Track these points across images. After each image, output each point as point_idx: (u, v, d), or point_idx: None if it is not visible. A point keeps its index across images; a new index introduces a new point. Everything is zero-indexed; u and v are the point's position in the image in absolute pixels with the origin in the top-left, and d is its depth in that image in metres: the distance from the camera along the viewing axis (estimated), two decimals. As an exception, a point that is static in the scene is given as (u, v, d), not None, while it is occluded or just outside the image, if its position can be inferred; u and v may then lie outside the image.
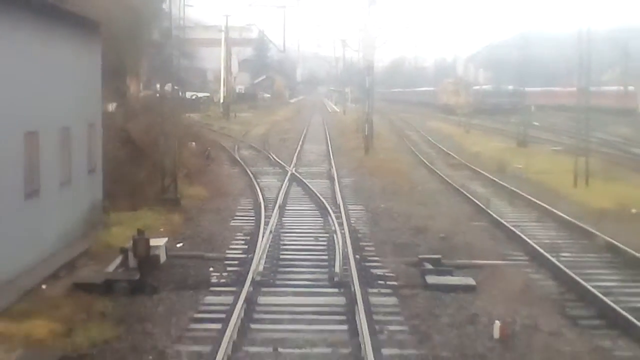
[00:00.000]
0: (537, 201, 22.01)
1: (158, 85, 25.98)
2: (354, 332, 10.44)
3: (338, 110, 73.89)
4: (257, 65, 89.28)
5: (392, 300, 12.35)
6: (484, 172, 29.80)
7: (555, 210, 20.55)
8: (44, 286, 12.35)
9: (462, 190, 25.05)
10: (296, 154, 36.01)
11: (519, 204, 22.90)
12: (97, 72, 17.51)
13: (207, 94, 65.60)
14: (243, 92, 79.62)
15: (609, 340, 10.42)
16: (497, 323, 10.14)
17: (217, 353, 9.10)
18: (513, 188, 24.39)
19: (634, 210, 20.94)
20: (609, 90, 65.58)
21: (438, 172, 30.87)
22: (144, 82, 32.61)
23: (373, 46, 43.39)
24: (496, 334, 10.18)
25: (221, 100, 58.92)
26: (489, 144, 42.34)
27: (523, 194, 23.53)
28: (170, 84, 24.25)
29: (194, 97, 53.21)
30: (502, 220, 18.99)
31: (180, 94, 28.18)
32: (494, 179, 27.62)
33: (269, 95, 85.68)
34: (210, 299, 12.41)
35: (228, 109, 56.91)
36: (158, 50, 26.67)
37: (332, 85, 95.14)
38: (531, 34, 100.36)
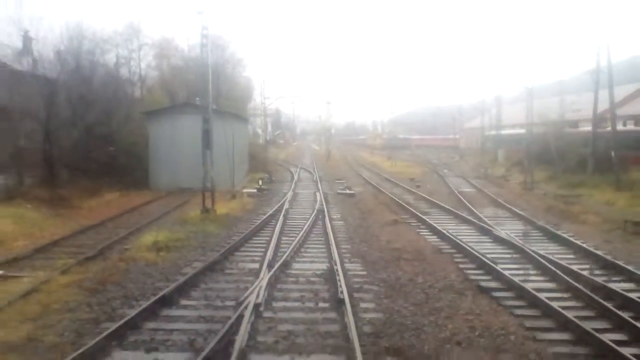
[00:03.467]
0: (374, 169, 35.61)
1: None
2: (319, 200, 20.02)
3: (317, 148, 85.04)
4: (275, 125, 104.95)
5: (330, 197, 22.20)
6: (365, 166, 41.41)
7: (380, 172, 33.98)
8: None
9: (360, 169, 37.67)
10: (301, 162, 46.09)
11: (378, 176, 33.81)
12: (248, 131, 36.59)
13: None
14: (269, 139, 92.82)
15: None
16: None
17: (293, 185, 25.84)
18: (385, 175, 33.11)
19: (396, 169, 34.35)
20: (447, 137, 76.09)
21: (353, 165, 42.19)
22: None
23: (330, 118, 62.40)
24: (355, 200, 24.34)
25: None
26: (374, 158, 51.17)
27: (382, 174, 34.33)
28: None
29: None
30: (372, 182, 29.56)
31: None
32: (373, 170, 38.69)
33: (282, 141, 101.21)
34: (285, 188, 26.60)
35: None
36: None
37: (315, 135, 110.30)
38: (429, 108, 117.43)
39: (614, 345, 6.19)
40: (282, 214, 16.46)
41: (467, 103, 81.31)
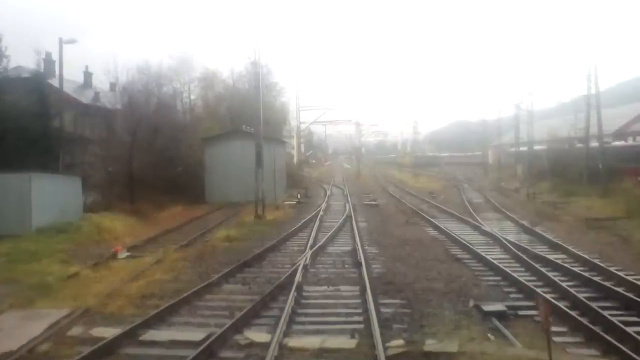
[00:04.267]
0: (400, 185, 41.15)
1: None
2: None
3: (349, 167, 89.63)
4: (308, 145, 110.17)
5: (357, 207, 30.59)
6: (393, 182, 46.21)
7: (405, 187, 38.87)
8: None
9: (387, 185, 42.97)
10: (332, 180, 50.29)
11: (402, 190, 39.06)
12: (285, 152, 41.78)
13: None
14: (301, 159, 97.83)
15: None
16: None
17: (326, 198, 31.31)
18: (408, 190, 38.70)
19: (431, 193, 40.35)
20: (475, 154, 78.86)
21: (381, 181, 46.85)
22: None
23: (360, 137, 67.34)
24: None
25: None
26: (402, 176, 55.40)
27: (406, 188, 39.35)
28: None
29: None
30: (395, 195, 35.10)
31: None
32: (399, 186, 43.75)
33: (314, 161, 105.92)
34: (319, 201, 32.08)
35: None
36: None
37: (346, 155, 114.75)
38: (458, 124, 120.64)
39: (521, 279, 10.53)
40: (318, 218, 21.08)
41: (492, 119, 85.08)
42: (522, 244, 14.53)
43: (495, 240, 15.67)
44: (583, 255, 12.97)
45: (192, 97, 44.65)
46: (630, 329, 7.38)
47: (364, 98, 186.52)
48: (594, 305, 8.60)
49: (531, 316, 8.32)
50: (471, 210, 23.24)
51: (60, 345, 7.54)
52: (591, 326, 7.71)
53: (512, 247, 13.98)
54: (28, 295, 9.97)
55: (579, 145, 35.54)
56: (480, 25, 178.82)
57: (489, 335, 7.63)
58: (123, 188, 25.75)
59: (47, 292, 10.30)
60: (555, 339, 7.11)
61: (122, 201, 24.91)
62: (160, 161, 28.19)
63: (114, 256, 14.12)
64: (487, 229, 17.48)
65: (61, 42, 22.39)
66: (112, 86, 41.80)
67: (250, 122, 40.29)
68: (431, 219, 20.49)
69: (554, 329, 6.72)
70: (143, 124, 27.78)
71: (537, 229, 17.51)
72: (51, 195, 17.41)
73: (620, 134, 41.61)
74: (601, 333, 7.42)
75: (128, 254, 14.68)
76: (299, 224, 19.86)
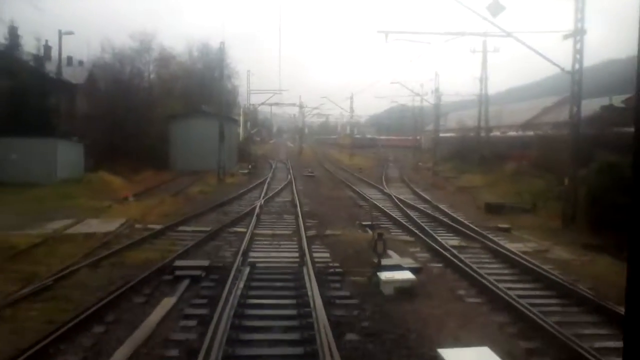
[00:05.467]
0: (336, 162, 51.61)
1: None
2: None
3: (292, 146, 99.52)
4: (252, 123, 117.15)
5: (297, 177, 42.67)
6: (330, 160, 55.65)
7: (340, 164, 48.41)
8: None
9: (325, 162, 52.47)
10: (277, 156, 57.44)
11: (336, 166, 48.81)
12: (237, 131, 48.78)
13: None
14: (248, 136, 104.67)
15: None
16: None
17: (272, 170, 39.66)
18: (342, 166, 51.72)
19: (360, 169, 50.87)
20: (410, 138, 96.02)
21: (320, 159, 53.68)
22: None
23: (303, 119, 74.92)
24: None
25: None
26: (340, 155, 61.79)
27: (341, 165, 51.25)
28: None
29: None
30: (330, 170, 47.70)
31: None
32: (335, 163, 53.31)
33: (259, 139, 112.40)
34: (266, 172, 41.41)
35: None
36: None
37: (291, 134, 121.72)
38: (400, 110, 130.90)
39: (391, 214, 18.36)
40: (267, 183, 28.39)
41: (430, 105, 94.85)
42: (405, 200, 22.47)
43: (389, 197, 23.58)
44: (439, 205, 21.02)
45: (152, 76, 50.25)
46: (427, 227, 15.26)
47: (309, 83, 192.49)
48: (419, 222, 16.50)
49: (383, 226, 16.08)
50: (383, 181, 31.21)
51: (133, 231, 14.57)
52: (412, 229, 15.53)
53: (397, 201, 21.88)
54: (92, 213, 16.79)
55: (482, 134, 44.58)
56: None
57: (358, 230, 15.32)
58: (105, 155, 31.97)
59: (100, 213, 17.13)
60: (394, 233, 14.85)
61: (104, 165, 31.22)
62: (131, 133, 34.49)
63: (125, 199, 20.91)
64: (387, 192, 25.42)
65: (60, 33, 28.25)
66: (76, 61, 47.11)
67: (206, 101, 46.78)
68: (351, 185, 28.26)
69: (395, 231, 14.46)
70: (118, 102, 33.99)
71: (422, 193, 25.62)
72: (67, 156, 23.80)
73: (527, 125, 51.03)
74: (415, 231, 15.24)
75: (133, 198, 21.48)
76: (252, 185, 27.14)
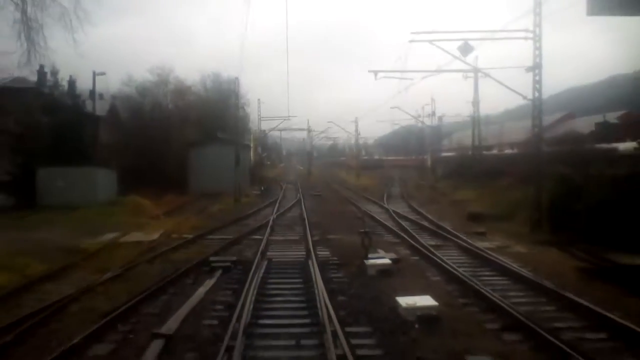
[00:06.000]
0: (342, 183, 55.80)
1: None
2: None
3: (302, 168, 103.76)
4: (262, 147, 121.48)
5: (306, 196, 45.76)
6: (337, 181, 58.84)
7: (346, 184, 52.11)
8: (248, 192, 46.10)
9: (332, 182, 56.43)
10: (287, 178, 61.81)
11: (342, 186, 52.98)
12: (250, 155, 52.65)
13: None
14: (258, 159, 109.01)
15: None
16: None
17: (282, 191, 43.46)
18: (348, 186, 55.53)
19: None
20: (415, 158, 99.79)
21: (328, 180, 56.95)
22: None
23: (311, 143, 78.68)
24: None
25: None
26: (347, 176, 65.63)
27: (347, 185, 54.62)
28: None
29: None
30: (336, 189, 51.38)
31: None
32: (342, 183, 56.79)
33: (269, 162, 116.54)
34: (277, 192, 45.27)
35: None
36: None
37: (300, 156, 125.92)
38: (402, 130, 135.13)
39: (385, 223, 21.68)
40: (278, 202, 31.86)
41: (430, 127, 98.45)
42: (400, 213, 25.75)
43: (387, 211, 26.90)
44: (429, 216, 24.30)
45: (170, 106, 54.31)
46: (414, 232, 18.56)
47: (317, 107, 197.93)
48: (409, 229, 19.80)
49: (377, 233, 19.39)
50: (385, 198, 34.54)
51: (171, 239, 18.03)
52: (401, 234, 18.82)
53: (393, 214, 25.20)
54: (134, 228, 20.30)
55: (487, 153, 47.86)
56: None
57: (355, 236, 18.65)
58: (131, 180, 35.65)
59: (141, 228, 20.63)
60: (386, 238, 18.16)
61: (133, 190, 34.88)
62: (153, 161, 38.23)
63: (157, 217, 24.44)
64: (386, 206, 28.75)
65: (94, 74, 32.18)
66: (98, 95, 51.31)
67: (220, 127, 50.54)
68: (354, 202, 31.61)
69: (387, 236, 17.82)
70: (140, 131, 37.84)
71: (417, 207, 28.92)
72: (104, 182, 27.50)
73: (520, 143, 54.34)
74: (403, 235, 18.53)
75: (163, 216, 25.00)
76: (265, 204, 30.62)
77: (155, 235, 18.30)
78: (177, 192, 38.02)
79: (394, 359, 7.37)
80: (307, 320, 8.96)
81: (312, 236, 18.04)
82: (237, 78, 39.44)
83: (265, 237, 17.71)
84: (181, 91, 56.67)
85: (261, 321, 8.96)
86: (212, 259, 14.14)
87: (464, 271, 12.48)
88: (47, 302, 10.04)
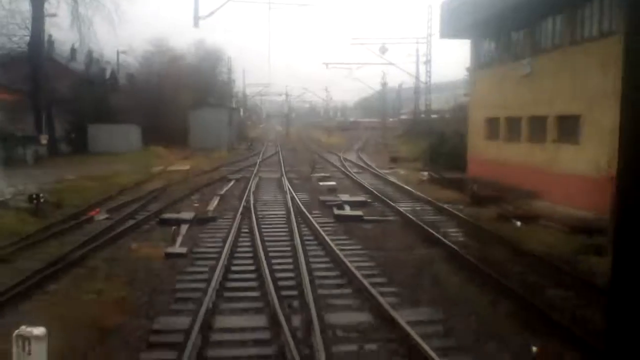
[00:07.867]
0: (315, 141, 67.64)
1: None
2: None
3: (281, 129, 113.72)
4: (244, 109, 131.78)
5: (283, 151, 58.82)
6: (311, 140, 74.40)
7: (318, 143, 66.07)
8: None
9: (306, 141, 70.28)
10: (267, 138, 73.63)
11: (315, 144, 68.30)
12: (238, 117, 64.34)
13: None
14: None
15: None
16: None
17: (264, 147, 55.68)
18: (320, 144, 69.93)
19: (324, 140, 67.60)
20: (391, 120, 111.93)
21: (304, 139, 69.39)
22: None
23: (290, 105, 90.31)
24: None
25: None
26: (321, 136, 77.61)
27: (319, 143, 69.28)
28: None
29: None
30: (308, 146, 64.50)
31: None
32: (315, 142, 71.58)
33: (249, 123, 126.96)
34: (260, 148, 57.64)
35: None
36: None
37: (279, 118, 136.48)
38: (379, 93, 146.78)
39: (331, 160, 34.05)
40: (262, 153, 44.07)
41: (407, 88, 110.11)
42: (348, 159, 38.08)
43: (339, 159, 39.27)
44: (366, 160, 36.75)
45: (170, 74, 65.31)
46: (349, 168, 31.00)
47: (298, 75, 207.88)
48: (347, 166, 32.20)
49: (325, 168, 31.78)
50: (342, 151, 46.89)
51: (197, 170, 30.19)
52: (341, 169, 31.21)
53: (342, 160, 37.57)
54: (169, 164, 32.32)
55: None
56: None
57: (309, 168, 31.10)
58: (148, 135, 47.34)
59: (172, 164, 32.65)
60: (330, 170, 30.56)
61: (150, 142, 46.57)
62: (162, 120, 49.80)
63: (175, 161, 36.39)
64: (340, 155, 41.13)
65: (118, 52, 43.46)
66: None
67: (212, 93, 61.81)
68: (319, 154, 43.93)
69: (332, 169, 30.23)
70: (150, 97, 49.46)
71: (363, 156, 41.35)
72: (134, 135, 39.34)
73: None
74: (342, 169, 30.92)
75: (182, 159, 36.96)
76: (252, 154, 42.83)
77: (186, 168, 30.39)
78: (179, 147, 49.83)
79: (306, 190, 19.77)
80: (279, 189, 21.37)
81: (284, 167, 30.33)
82: (229, 58, 49.58)
83: (255, 169, 29.97)
84: (176, 59, 67.73)
85: (259, 191, 21.34)
86: (229, 176, 26.38)
87: (362, 179, 24.99)
88: (155, 187, 22.17)
